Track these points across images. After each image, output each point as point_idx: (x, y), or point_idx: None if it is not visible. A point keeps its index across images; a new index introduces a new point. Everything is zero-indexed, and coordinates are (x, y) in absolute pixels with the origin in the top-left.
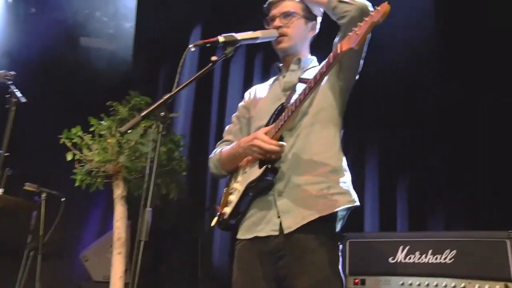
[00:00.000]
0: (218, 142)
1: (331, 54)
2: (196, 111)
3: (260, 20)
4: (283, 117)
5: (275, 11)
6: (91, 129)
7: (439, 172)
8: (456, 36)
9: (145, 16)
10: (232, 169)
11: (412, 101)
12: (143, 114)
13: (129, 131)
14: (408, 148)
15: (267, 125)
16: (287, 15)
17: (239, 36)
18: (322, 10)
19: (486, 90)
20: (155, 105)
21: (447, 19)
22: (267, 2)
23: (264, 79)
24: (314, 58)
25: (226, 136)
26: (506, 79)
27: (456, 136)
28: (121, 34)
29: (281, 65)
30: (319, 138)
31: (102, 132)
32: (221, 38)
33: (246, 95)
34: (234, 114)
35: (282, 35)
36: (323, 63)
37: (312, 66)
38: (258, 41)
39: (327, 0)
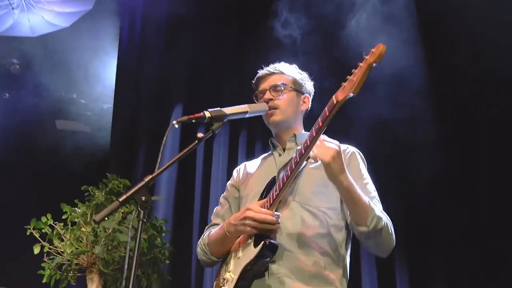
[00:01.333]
0: (206, 226)
1: (326, 107)
2: (178, 193)
3: (245, 97)
4: (277, 187)
5: (264, 85)
6: (64, 217)
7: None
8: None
9: (124, 96)
10: (222, 254)
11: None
12: (121, 199)
13: (105, 219)
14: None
15: (261, 196)
16: (277, 87)
17: (227, 110)
18: (312, 88)
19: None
20: (135, 188)
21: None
22: (256, 77)
23: (249, 158)
24: (303, 132)
25: (214, 220)
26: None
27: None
28: (99, 116)
29: (274, 141)
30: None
31: (76, 220)
32: (207, 113)
33: (235, 173)
34: (222, 195)
35: (273, 108)
36: (318, 118)
37: None
38: (248, 115)
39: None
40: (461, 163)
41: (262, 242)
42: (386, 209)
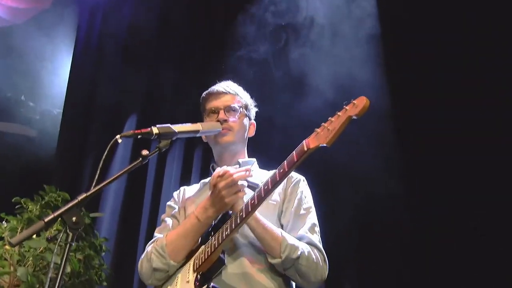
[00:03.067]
0: (149, 243)
1: (295, 151)
2: (125, 209)
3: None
4: (230, 225)
5: (217, 103)
6: None
7: None
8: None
9: (75, 102)
10: (184, 255)
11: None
12: (47, 219)
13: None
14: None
15: (207, 235)
16: (232, 109)
17: (176, 128)
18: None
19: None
20: (65, 208)
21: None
22: (208, 92)
23: (204, 176)
24: (255, 161)
25: (160, 234)
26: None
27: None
28: (47, 121)
29: (216, 167)
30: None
31: (3, 235)
32: (155, 129)
33: (175, 195)
34: (163, 215)
35: (226, 129)
36: (284, 162)
37: (253, 169)
38: (199, 134)
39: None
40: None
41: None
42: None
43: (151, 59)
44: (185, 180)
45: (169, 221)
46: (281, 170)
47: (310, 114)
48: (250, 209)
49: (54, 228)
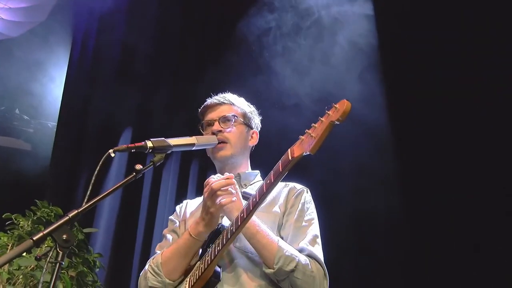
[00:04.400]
0: (149, 259)
1: (280, 161)
2: (120, 224)
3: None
4: (221, 240)
5: (212, 115)
6: None
7: None
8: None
9: (69, 116)
10: (180, 273)
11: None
12: (36, 237)
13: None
14: None
15: (203, 250)
16: (227, 119)
17: (171, 141)
18: (259, 123)
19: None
20: (55, 225)
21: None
22: (204, 106)
23: (200, 190)
24: (258, 173)
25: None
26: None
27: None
28: (41, 134)
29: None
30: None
31: None
32: (149, 143)
33: (177, 209)
34: (165, 230)
35: (222, 141)
36: (271, 172)
37: (256, 181)
38: (194, 148)
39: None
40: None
41: None
42: None
43: (145, 75)
44: (181, 194)
45: (169, 236)
46: (268, 181)
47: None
48: (239, 223)
49: (46, 245)
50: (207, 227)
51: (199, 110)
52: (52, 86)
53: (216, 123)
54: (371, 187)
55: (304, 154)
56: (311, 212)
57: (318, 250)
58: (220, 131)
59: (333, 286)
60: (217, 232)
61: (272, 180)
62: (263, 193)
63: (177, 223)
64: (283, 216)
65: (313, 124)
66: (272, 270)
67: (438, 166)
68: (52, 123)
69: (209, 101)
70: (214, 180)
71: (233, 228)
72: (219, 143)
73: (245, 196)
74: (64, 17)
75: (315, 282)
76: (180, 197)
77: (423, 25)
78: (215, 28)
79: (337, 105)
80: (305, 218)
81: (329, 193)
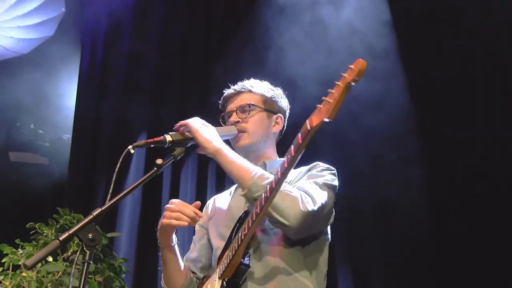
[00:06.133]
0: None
1: (299, 133)
2: (142, 228)
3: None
4: (247, 224)
5: (231, 106)
6: (3, 260)
7: None
8: None
9: (84, 126)
10: (175, 280)
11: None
12: (62, 237)
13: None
14: None
15: (229, 237)
16: (244, 108)
17: (190, 134)
18: (287, 105)
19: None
20: (80, 224)
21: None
22: (222, 97)
23: (218, 189)
24: (277, 159)
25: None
26: None
27: None
28: (58, 146)
29: None
30: None
31: (18, 263)
32: (168, 137)
33: (204, 209)
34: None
35: (240, 131)
36: (291, 147)
37: None
38: None
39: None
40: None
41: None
42: None
43: (154, 80)
44: (201, 194)
45: (191, 246)
46: (288, 156)
47: None
48: (264, 203)
49: (71, 250)
50: (160, 235)
51: (220, 102)
52: (64, 98)
53: (234, 114)
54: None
55: (324, 120)
56: (326, 173)
57: (314, 188)
58: (238, 121)
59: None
60: (242, 220)
61: (293, 154)
62: (284, 169)
63: (198, 231)
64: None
65: (330, 89)
66: (246, 189)
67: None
68: (67, 135)
69: (227, 91)
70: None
71: (257, 210)
72: (238, 133)
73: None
74: (72, 29)
75: (294, 204)
76: (199, 198)
77: None
78: (220, 32)
79: (351, 66)
80: (317, 169)
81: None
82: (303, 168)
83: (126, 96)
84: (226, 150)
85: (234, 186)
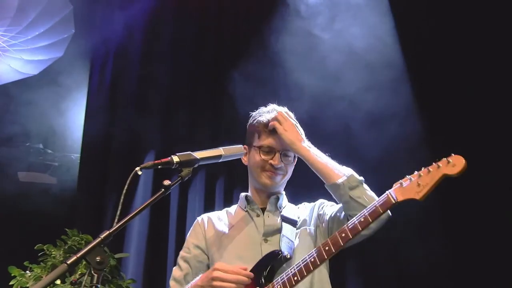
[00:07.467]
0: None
1: (378, 203)
2: (150, 248)
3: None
4: (291, 274)
5: (275, 143)
6: (11, 282)
7: None
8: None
9: (92, 145)
10: None
11: None
12: (69, 261)
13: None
14: None
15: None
16: (289, 156)
17: (198, 154)
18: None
19: None
20: (88, 247)
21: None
22: (261, 122)
23: (228, 207)
24: (284, 194)
25: (173, 285)
26: None
27: None
28: (66, 167)
29: (251, 198)
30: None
31: (27, 286)
32: (175, 158)
33: (197, 228)
34: (181, 255)
35: (279, 171)
36: (364, 211)
37: (286, 204)
38: (222, 159)
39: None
40: None
41: None
42: None
43: (164, 100)
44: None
45: (183, 266)
46: (362, 219)
47: None
48: (342, 243)
49: (79, 272)
50: None
51: (254, 121)
52: (73, 118)
53: (278, 156)
54: None
55: (412, 199)
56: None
57: None
58: (281, 168)
59: None
60: (274, 258)
61: (370, 220)
62: (358, 231)
63: (194, 251)
64: (316, 229)
65: (417, 171)
66: (342, 179)
67: None
68: (75, 154)
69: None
70: (241, 277)
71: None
72: (275, 169)
73: (288, 220)
74: (82, 50)
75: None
76: None
77: None
78: (230, 52)
79: (451, 160)
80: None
81: None
82: (308, 205)
83: (135, 116)
84: (314, 150)
85: (227, 209)
